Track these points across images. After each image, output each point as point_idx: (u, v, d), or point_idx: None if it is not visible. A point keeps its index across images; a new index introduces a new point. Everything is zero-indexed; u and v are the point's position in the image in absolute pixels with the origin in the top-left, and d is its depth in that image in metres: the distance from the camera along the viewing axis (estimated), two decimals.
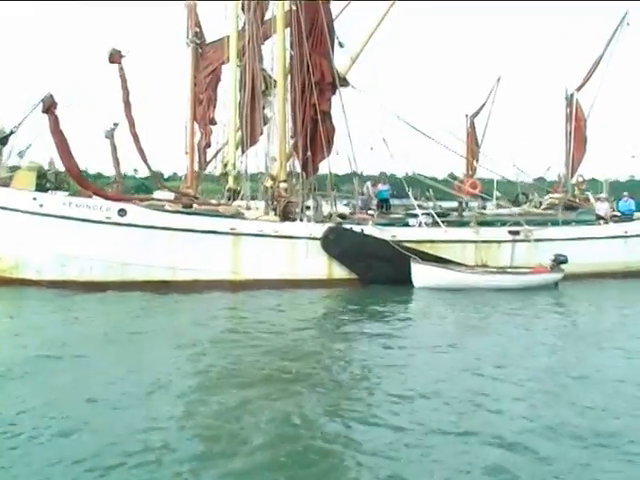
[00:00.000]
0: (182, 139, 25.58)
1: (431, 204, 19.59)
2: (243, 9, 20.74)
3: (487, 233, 17.69)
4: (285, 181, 18.07)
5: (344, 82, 18.64)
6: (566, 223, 19.27)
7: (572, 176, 25.30)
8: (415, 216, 17.84)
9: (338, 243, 16.43)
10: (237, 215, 16.93)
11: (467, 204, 25.75)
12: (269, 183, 17.97)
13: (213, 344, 10.21)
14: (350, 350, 10.32)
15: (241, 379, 8.29)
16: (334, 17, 18.93)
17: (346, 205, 21.20)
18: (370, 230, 16.79)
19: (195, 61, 25.13)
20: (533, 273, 16.88)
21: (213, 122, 25.30)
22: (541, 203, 23.99)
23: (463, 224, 18.63)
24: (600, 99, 25.13)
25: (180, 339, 10.44)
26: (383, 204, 21.58)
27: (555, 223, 19.05)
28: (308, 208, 17.65)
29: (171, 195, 19.65)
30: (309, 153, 17.63)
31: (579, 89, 25.40)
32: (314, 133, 17.88)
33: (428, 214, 18.40)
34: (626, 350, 10.15)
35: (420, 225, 17.69)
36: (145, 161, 20.22)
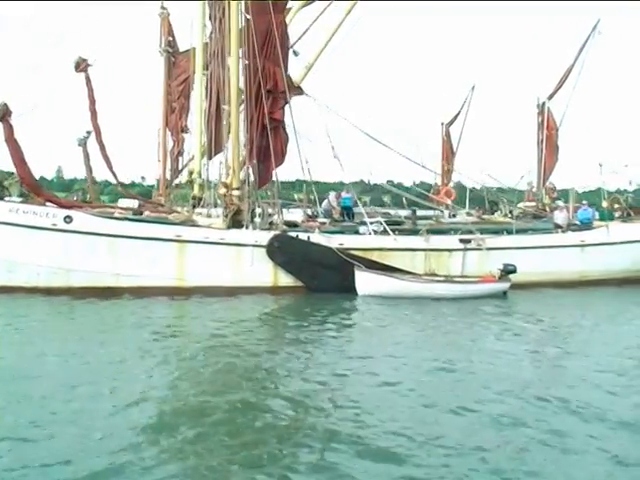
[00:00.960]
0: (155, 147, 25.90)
1: (392, 212, 19.62)
2: (211, 19, 20.98)
3: (438, 241, 17.63)
4: (238, 189, 18.15)
5: (298, 90, 18.75)
6: (522, 232, 19.15)
7: (544, 184, 25.17)
8: (366, 224, 17.79)
9: (283, 251, 16.49)
10: (187, 222, 17.06)
11: (442, 212, 25.84)
12: (222, 191, 18.08)
13: (150, 352, 10.14)
14: (284, 357, 10.17)
15: (175, 387, 8.37)
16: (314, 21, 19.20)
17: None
18: (316, 238, 16.82)
19: (168, 70, 25.44)
20: (481, 282, 16.78)
21: (185, 130, 25.48)
22: (511, 212, 23.91)
23: (417, 232, 18.55)
24: (573, 107, 25.05)
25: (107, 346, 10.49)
26: (347, 212, 21.57)
27: (510, 232, 18.94)
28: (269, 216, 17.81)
29: (136, 202, 19.93)
30: (255, 161, 17.72)
31: (550, 97, 25.35)
32: (267, 141, 17.99)
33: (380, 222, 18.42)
34: (540, 360, 10.12)
35: (371, 233, 17.65)
36: (110, 169, 20.58)
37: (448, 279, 16.79)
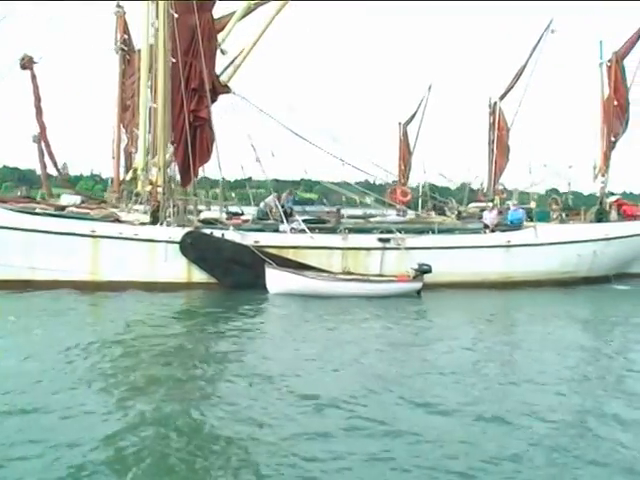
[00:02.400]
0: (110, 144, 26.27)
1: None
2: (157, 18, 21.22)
3: (355, 240, 17.67)
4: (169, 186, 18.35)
5: (226, 89, 18.90)
6: (448, 232, 19.12)
7: (494, 185, 25.06)
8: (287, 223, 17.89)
9: (196, 247, 16.66)
10: (106, 218, 17.31)
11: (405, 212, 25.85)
12: (148, 188, 18.32)
13: (55, 346, 10.21)
14: (182, 354, 10.34)
15: (84, 382, 8.40)
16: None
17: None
18: (231, 235, 16.96)
19: (122, 68, 25.74)
20: (396, 281, 16.82)
21: (138, 128, 25.79)
22: (460, 212, 23.86)
23: (356, 231, 18.52)
24: (525, 108, 24.88)
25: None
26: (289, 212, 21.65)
27: (441, 231, 18.94)
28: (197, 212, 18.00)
29: (77, 199, 20.32)
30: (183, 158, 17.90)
31: (502, 97, 25.20)
32: (193, 139, 18.18)
33: (307, 220, 18.55)
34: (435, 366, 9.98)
35: (291, 231, 17.75)
36: (55, 165, 21.01)
37: (362, 278, 16.82)
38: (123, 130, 26.00)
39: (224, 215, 18.77)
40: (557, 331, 13.25)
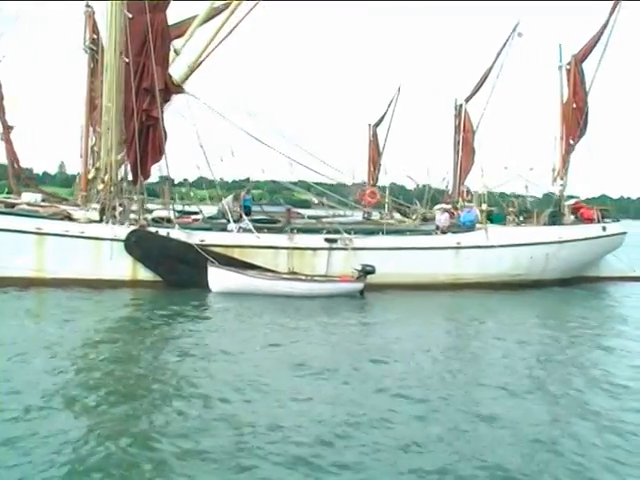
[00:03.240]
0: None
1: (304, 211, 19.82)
2: None
3: (302, 240, 17.74)
4: (116, 185, 18.48)
5: (179, 89, 19.01)
6: (400, 233, 19.17)
7: (459, 187, 25.06)
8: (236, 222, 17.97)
9: (141, 245, 16.77)
10: (56, 215, 17.44)
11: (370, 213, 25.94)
12: (100, 186, 18.46)
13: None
14: (114, 350, 10.46)
15: (21, 383, 8.34)
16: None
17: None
18: (176, 234, 17.06)
19: (91, 67, 25.89)
20: (338, 282, 16.88)
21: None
22: (425, 214, 23.83)
23: (306, 231, 18.58)
24: (491, 110, 24.88)
25: None
26: (246, 212, 21.72)
27: (390, 232, 18.98)
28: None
29: (38, 197, 20.49)
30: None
31: (468, 100, 25.21)
32: (146, 139, 18.30)
33: (258, 220, 18.65)
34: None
35: (239, 231, 17.82)
36: (17, 164, 21.22)
37: (304, 277, 16.89)
38: (92, 129, 26.19)
39: (174, 214, 18.84)
40: (473, 331, 13.43)
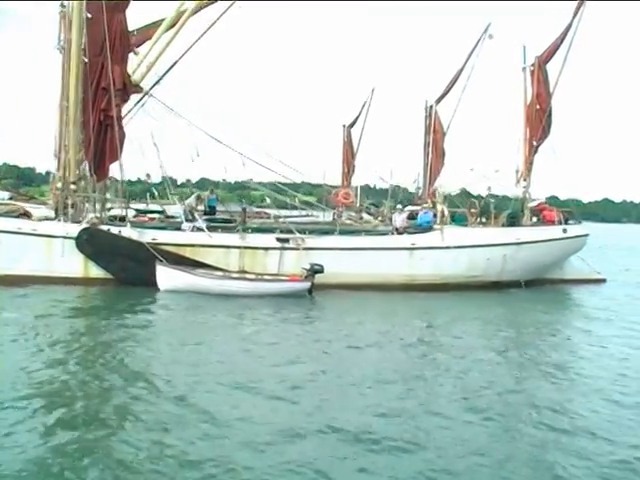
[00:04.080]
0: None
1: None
2: None
3: (254, 240, 17.83)
4: (75, 183, 18.67)
5: (137, 88, 19.18)
6: (354, 233, 19.20)
7: (429, 188, 25.05)
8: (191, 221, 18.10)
9: (92, 243, 16.93)
10: (11, 213, 17.67)
11: (342, 214, 26.02)
12: (59, 185, 18.64)
13: None
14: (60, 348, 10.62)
15: None
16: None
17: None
18: (128, 232, 17.21)
19: (65, 67, 26.12)
20: (286, 281, 16.96)
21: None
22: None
23: (260, 230, 18.67)
24: (461, 112, 24.84)
25: None
26: (210, 212, 21.86)
27: (344, 232, 19.02)
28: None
29: (6, 195, 20.79)
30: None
31: (438, 101, 25.19)
32: (104, 138, 18.48)
33: (213, 219, 18.77)
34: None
35: (193, 230, 17.93)
36: None
37: (251, 277, 16.97)
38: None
39: (132, 213, 19.02)
40: (418, 331, 13.46)
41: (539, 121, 21.26)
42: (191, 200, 21.75)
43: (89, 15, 18.68)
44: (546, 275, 21.20)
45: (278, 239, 17.90)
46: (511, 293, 19.08)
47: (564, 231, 20.81)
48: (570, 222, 21.75)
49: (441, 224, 19.42)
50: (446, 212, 20.86)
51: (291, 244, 17.91)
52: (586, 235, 21.64)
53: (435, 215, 19.81)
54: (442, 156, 24.97)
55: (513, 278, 19.69)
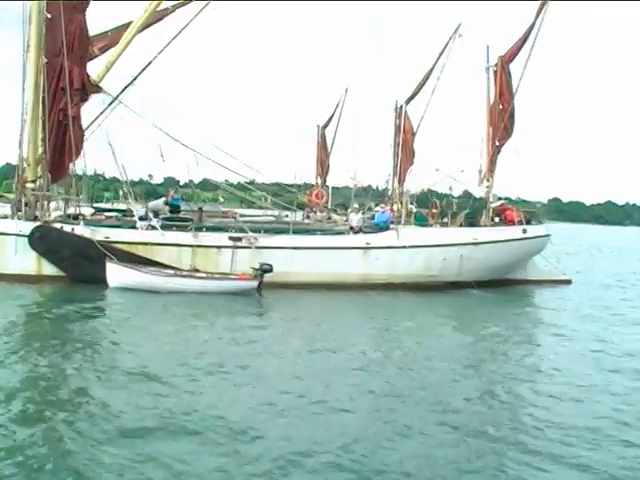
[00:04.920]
0: None
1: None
2: None
3: (206, 238, 17.95)
4: (34, 181, 18.89)
5: (96, 89, 19.37)
6: (309, 232, 19.27)
7: (399, 187, 25.02)
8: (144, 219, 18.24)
9: (44, 241, 17.11)
10: None
11: (315, 213, 26.13)
12: (19, 184, 18.87)
13: None
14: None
15: None
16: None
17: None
18: (81, 230, 17.38)
19: None
20: (235, 279, 17.08)
21: None
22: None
23: (215, 229, 18.79)
24: (431, 112, 24.78)
25: None
26: (175, 211, 21.96)
27: (300, 232, 19.09)
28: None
29: None
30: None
31: (408, 101, 25.14)
32: (62, 137, 18.70)
33: (170, 218, 18.91)
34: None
35: (148, 228, 18.08)
36: None
37: (200, 275, 17.07)
38: None
39: (90, 211, 19.21)
40: (358, 330, 13.56)
41: (502, 121, 21.21)
42: (158, 202, 21.97)
43: (48, 15, 18.89)
44: (508, 276, 21.14)
45: (230, 238, 18.00)
46: (469, 294, 19.04)
47: (524, 231, 20.73)
48: (533, 223, 21.66)
49: (397, 223, 19.44)
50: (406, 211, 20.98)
51: (244, 243, 18.01)
52: (547, 236, 21.55)
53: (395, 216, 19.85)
54: (412, 156, 24.92)
55: (471, 278, 19.67)
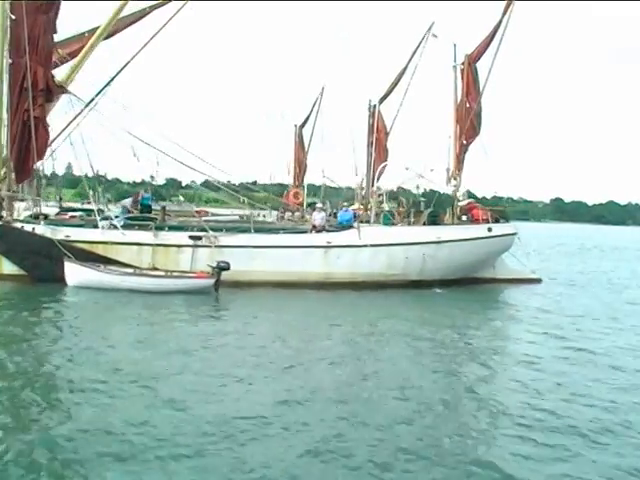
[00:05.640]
0: None
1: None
2: None
3: (166, 237, 18.08)
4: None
5: (61, 90, 19.54)
6: (272, 231, 19.36)
7: (372, 186, 25.06)
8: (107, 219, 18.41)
9: (5, 240, 17.31)
10: None
11: (293, 214, 26.26)
12: None
13: None
14: None
15: None
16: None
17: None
18: (41, 230, 17.56)
19: None
20: (192, 278, 17.20)
21: None
22: (335, 213, 23.92)
23: (178, 228, 18.94)
24: (404, 111, 24.82)
25: None
26: (145, 210, 22.14)
27: (262, 231, 19.19)
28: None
29: None
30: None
31: (382, 100, 25.20)
32: (28, 138, 18.89)
33: (134, 217, 19.08)
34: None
35: (110, 228, 18.23)
36: None
37: (156, 273, 17.18)
38: None
39: (55, 211, 19.40)
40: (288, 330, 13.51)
41: (469, 119, 21.20)
42: (127, 201, 22.19)
43: (12, 16, 19.08)
44: (476, 274, 21.11)
45: (191, 237, 18.13)
46: (432, 292, 19.02)
47: (489, 230, 20.69)
48: (501, 221, 21.61)
49: (367, 222, 19.52)
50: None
51: (204, 242, 18.12)
52: (514, 234, 21.48)
53: (355, 215, 19.90)
54: (385, 155, 24.98)
55: (435, 277, 19.68)
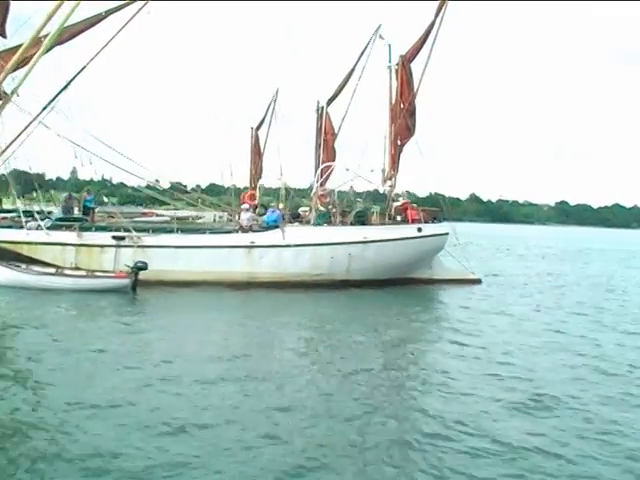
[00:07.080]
0: None
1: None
2: None
3: (89, 237, 18.43)
4: None
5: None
6: (198, 231, 19.63)
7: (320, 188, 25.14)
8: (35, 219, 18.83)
9: None
10: None
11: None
12: None
13: None
14: None
15: None
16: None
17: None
18: None
19: None
20: (110, 277, 17.49)
21: None
22: (298, 215, 23.88)
23: (103, 229, 19.30)
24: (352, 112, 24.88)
25: None
26: (86, 212, 22.53)
27: (187, 231, 19.47)
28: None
29: None
30: None
31: (329, 102, 25.31)
32: None
33: (64, 219, 19.49)
34: None
35: (38, 228, 18.66)
36: None
37: (73, 273, 17.48)
38: None
39: None
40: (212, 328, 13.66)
41: (404, 120, 21.22)
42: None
43: None
44: (411, 274, 21.07)
45: (114, 237, 18.47)
46: (357, 292, 19.01)
47: (419, 230, 20.65)
48: (437, 221, 21.58)
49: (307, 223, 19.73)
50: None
51: (127, 242, 18.44)
52: (446, 234, 21.39)
53: (283, 216, 20.08)
54: (333, 157, 25.05)
55: (362, 277, 19.69)
